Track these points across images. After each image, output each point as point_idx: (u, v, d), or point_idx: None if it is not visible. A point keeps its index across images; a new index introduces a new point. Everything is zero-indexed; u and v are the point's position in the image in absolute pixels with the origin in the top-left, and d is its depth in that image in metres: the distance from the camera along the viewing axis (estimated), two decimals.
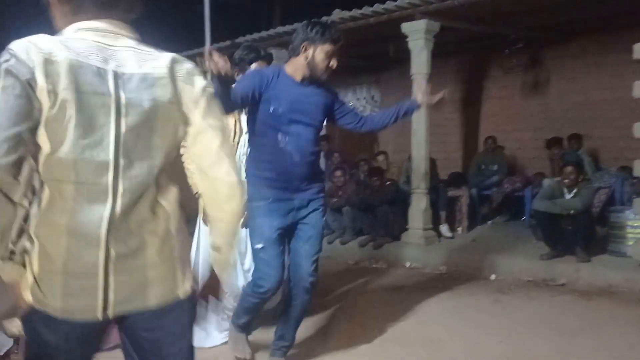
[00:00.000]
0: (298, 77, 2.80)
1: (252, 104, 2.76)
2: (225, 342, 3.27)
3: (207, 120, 1.42)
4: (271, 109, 2.73)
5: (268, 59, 3.47)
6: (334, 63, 2.76)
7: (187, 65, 1.43)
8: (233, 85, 2.69)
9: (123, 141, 1.31)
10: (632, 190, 6.21)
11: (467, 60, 8.77)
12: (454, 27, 6.50)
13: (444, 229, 6.52)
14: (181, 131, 1.41)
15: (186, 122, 1.41)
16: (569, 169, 5.42)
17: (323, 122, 2.96)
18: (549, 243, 5.37)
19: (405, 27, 6.15)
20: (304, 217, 2.88)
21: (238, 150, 3.28)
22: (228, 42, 7.80)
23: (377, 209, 6.26)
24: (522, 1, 5.86)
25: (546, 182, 6.52)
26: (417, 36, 6.09)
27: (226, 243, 1.56)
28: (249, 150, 2.98)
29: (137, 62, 1.36)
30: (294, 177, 2.81)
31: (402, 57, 6.56)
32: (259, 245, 2.82)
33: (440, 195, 6.61)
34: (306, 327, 3.45)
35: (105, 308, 1.32)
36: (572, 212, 5.19)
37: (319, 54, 2.72)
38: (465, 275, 5.29)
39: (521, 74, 8.10)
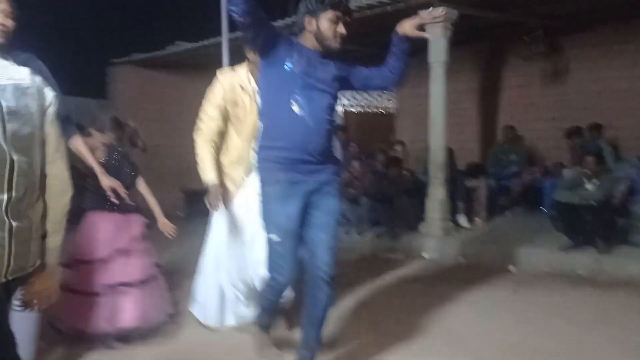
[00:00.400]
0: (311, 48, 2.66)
1: (265, 44, 2.56)
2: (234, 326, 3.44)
3: (52, 127, 1.74)
4: (287, 67, 2.56)
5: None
6: (341, 29, 2.60)
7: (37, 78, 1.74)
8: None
9: (11, 143, 1.59)
10: None
11: (485, 49, 8.66)
12: (472, 15, 6.41)
13: (462, 219, 6.49)
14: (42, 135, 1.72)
15: (42, 127, 1.72)
16: (589, 159, 5.35)
17: (337, 91, 2.72)
18: (568, 234, 5.31)
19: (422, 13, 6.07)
20: (319, 202, 2.66)
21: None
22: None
23: (394, 200, 6.24)
24: None
25: (566, 172, 6.43)
26: (435, 24, 6.02)
27: (55, 229, 1.80)
28: (260, 134, 2.76)
29: (5, 73, 1.65)
30: (308, 147, 2.58)
31: (420, 46, 6.49)
32: (275, 238, 2.63)
33: (458, 186, 6.56)
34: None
35: (6, 273, 1.63)
36: (592, 202, 5.13)
37: (323, 23, 2.58)
38: (484, 266, 5.26)
39: (540, 62, 7.98)
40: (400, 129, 10.01)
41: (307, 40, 2.64)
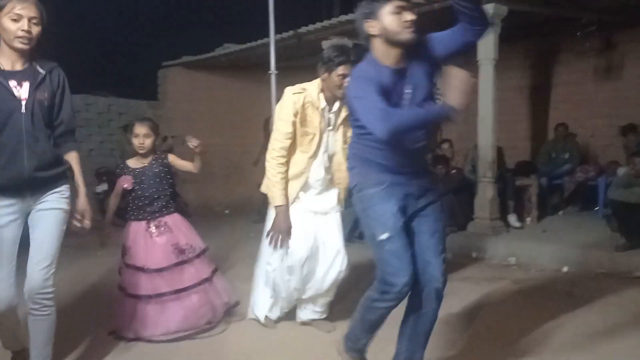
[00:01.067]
0: (390, 61, 2.38)
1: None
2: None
3: None
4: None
5: (356, 62, 2.85)
6: (408, 16, 2.30)
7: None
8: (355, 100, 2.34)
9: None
10: None
11: (536, 45, 8.47)
12: (523, 11, 6.28)
13: (512, 219, 6.37)
14: None
15: None
16: (637, 159, 5.21)
17: (433, 86, 2.45)
18: (624, 234, 5.15)
19: (484, 9, 5.99)
20: (424, 209, 2.49)
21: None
22: (291, 33, 7.87)
23: (442, 198, 6.16)
24: None
25: (621, 170, 6.23)
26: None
27: None
28: (352, 144, 2.59)
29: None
30: (412, 158, 2.46)
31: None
32: (384, 236, 2.37)
33: (508, 185, 6.45)
34: None
35: None
36: None
37: (387, 17, 2.31)
38: (536, 267, 5.15)
39: (593, 58, 7.75)
40: (448, 126, 9.88)
41: (378, 50, 2.38)
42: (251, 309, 3.70)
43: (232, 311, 3.77)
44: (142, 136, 3.48)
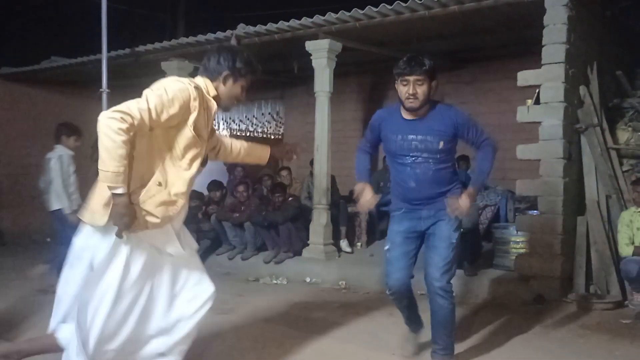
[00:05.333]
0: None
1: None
2: None
3: None
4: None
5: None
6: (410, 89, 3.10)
7: None
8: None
9: None
10: (515, 207, 6.67)
11: (368, 81, 9.06)
12: (355, 48, 6.71)
13: (344, 244, 6.66)
14: None
15: None
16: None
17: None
18: None
19: (309, 45, 6.28)
20: (430, 228, 3.18)
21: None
22: (128, 50, 7.55)
23: (279, 226, 6.26)
24: (416, 28, 6.18)
25: None
26: (320, 55, 6.24)
27: None
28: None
29: None
30: (415, 194, 3.17)
31: (307, 74, 6.68)
32: (386, 247, 3.26)
33: (341, 211, 6.74)
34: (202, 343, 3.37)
35: None
36: (461, 229, 5.47)
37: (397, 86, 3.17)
38: (363, 289, 5.42)
39: None
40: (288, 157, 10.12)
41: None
42: None
43: None
44: None
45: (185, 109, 2.50)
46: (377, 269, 5.65)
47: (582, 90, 5.31)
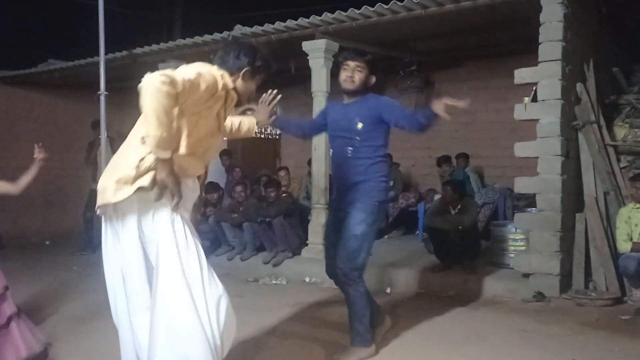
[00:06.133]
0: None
1: None
2: None
3: None
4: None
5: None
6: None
7: None
8: None
9: None
10: (514, 205, 6.69)
11: None
12: (352, 48, 6.70)
13: None
14: None
15: None
16: (447, 187, 5.79)
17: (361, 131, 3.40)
18: (439, 256, 5.65)
19: (306, 45, 6.29)
20: (344, 219, 3.35)
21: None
22: (125, 53, 7.55)
23: (273, 221, 6.24)
24: (413, 27, 6.18)
25: (437, 198, 6.86)
26: (317, 55, 6.25)
27: None
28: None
29: None
30: (337, 178, 3.54)
31: (304, 74, 6.68)
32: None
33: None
34: None
35: None
36: (459, 227, 5.50)
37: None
38: None
39: (414, 95, 8.51)
40: (286, 155, 10.14)
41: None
42: None
43: None
44: None
45: (210, 93, 2.45)
46: (377, 269, 5.67)
47: (579, 87, 5.32)
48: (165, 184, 2.31)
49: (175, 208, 2.38)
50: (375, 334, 3.55)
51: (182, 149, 2.45)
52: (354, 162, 3.38)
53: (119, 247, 2.48)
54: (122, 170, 2.36)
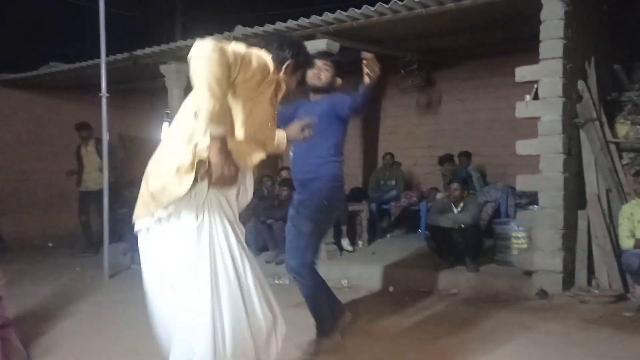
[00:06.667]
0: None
1: None
2: None
3: None
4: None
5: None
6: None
7: None
8: None
9: None
10: (516, 203, 6.69)
11: None
12: (353, 48, 6.71)
13: (345, 242, 6.66)
14: None
15: None
16: (454, 185, 5.77)
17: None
18: (441, 255, 5.65)
19: (307, 45, 6.26)
20: (295, 215, 3.46)
21: None
22: (126, 54, 7.56)
23: (273, 225, 6.26)
24: (413, 26, 6.18)
25: (439, 196, 6.86)
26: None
27: None
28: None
29: None
30: (294, 172, 3.61)
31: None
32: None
33: (342, 210, 6.74)
34: None
35: None
36: (462, 225, 5.50)
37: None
38: (366, 287, 5.43)
39: (416, 94, 8.52)
40: (287, 155, 10.13)
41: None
42: None
43: None
44: None
45: (263, 74, 2.31)
46: (379, 267, 5.67)
47: (581, 84, 5.32)
48: (220, 166, 2.09)
49: (235, 198, 2.29)
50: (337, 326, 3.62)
51: (240, 135, 2.28)
52: (307, 160, 3.43)
53: (216, 238, 2.23)
54: (176, 160, 2.16)
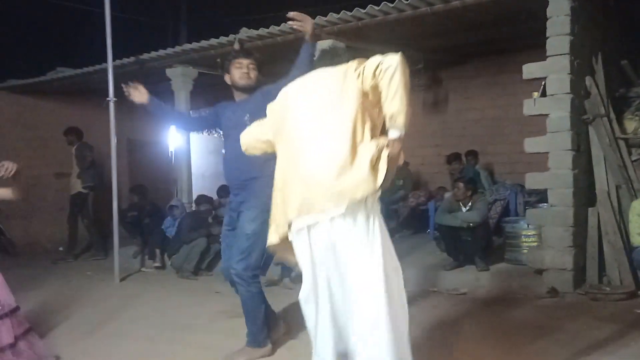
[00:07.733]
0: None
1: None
2: None
3: None
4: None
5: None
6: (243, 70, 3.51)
7: None
8: None
9: None
10: (525, 201, 6.66)
11: None
12: (358, 47, 6.70)
13: None
14: None
15: None
16: (460, 184, 5.75)
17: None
18: (451, 254, 5.64)
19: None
20: (237, 218, 3.40)
21: None
22: (132, 59, 7.59)
23: None
24: (419, 25, 6.17)
25: (447, 196, 6.84)
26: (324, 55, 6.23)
27: None
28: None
29: None
30: (227, 176, 3.53)
31: None
32: None
33: None
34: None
35: None
36: (470, 224, 5.48)
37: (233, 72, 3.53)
38: None
39: (422, 93, 8.50)
40: None
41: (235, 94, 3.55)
42: None
43: None
44: None
45: None
46: None
47: (588, 80, 5.29)
48: (397, 163, 2.35)
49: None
50: (271, 337, 3.53)
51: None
52: (246, 159, 3.14)
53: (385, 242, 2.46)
54: (367, 156, 2.36)
